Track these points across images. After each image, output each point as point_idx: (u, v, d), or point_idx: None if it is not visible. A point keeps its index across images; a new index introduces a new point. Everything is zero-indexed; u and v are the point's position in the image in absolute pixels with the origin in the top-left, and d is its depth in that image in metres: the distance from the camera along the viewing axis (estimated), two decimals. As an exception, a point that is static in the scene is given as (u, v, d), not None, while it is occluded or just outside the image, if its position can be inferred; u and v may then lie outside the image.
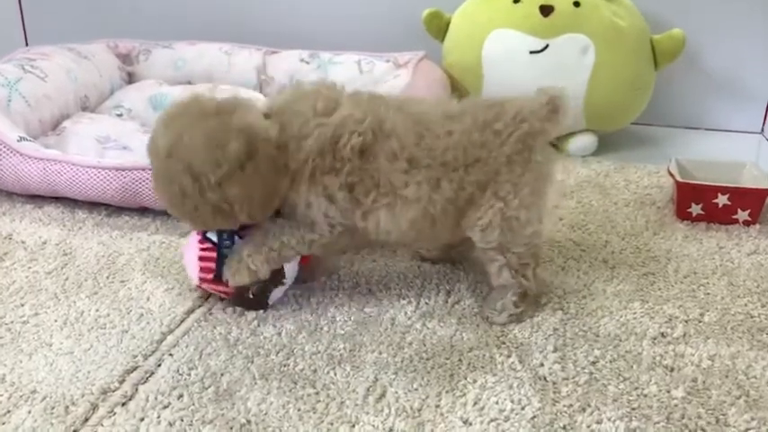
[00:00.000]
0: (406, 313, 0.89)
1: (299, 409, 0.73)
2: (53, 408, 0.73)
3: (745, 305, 0.92)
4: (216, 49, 1.61)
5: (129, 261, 1.01)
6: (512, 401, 0.74)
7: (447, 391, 0.76)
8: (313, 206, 0.82)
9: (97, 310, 0.89)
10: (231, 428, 0.71)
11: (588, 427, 0.71)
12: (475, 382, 0.77)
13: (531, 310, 0.89)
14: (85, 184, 1.10)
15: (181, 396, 0.75)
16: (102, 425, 0.71)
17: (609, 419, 0.72)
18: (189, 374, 0.78)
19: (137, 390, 0.76)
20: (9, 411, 0.73)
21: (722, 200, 1.11)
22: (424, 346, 0.83)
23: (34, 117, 1.30)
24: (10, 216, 1.14)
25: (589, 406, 0.74)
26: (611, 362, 0.81)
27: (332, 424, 0.71)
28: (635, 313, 0.90)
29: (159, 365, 0.80)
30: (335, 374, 0.78)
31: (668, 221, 1.14)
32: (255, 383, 0.77)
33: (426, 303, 0.91)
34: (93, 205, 1.15)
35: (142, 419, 0.72)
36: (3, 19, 1.88)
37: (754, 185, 1.14)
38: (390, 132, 0.82)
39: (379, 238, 0.86)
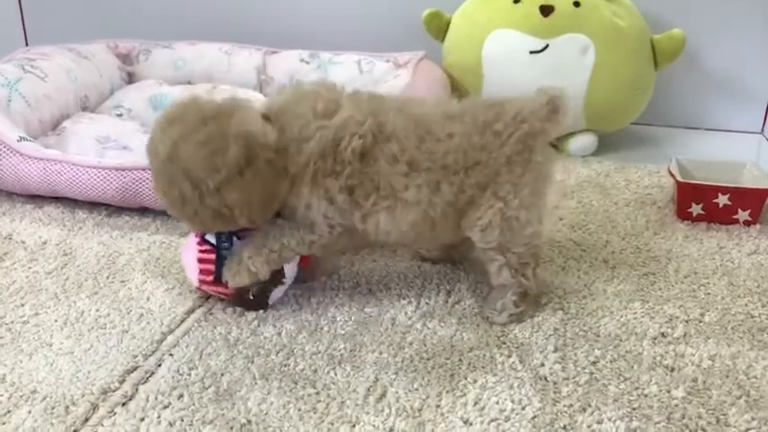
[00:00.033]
0: (406, 313, 0.89)
1: (299, 409, 0.73)
2: (53, 408, 0.73)
3: (746, 305, 0.92)
4: (216, 49, 1.61)
5: (129, 261, 1.01)
6: (512, 401, 0.74)
7: (447, 391, 0.76)
8: (313, 208, 0.82)
9: (97, 310, 0.89)
10: (231, 428, 0.71)
11: (589, 427, 0.71)
12: (475, 382, 0.77)
13: (531, 310, 0.89)
14: (85, 184, 1.10)
15: (181, 396, 0.75)
16: (102, 425, 0.71)
17: (609, 419, 0.72)
18: (189, 374, 0.78)
19: (137, 390, 0.76)
20: (9, 411, 0.73)
21: (723, 200, 1.11)
22: (425, 346, 0.83)
23: (34, 117, 1.30)
24: (10, 216, 1.14)
25: (590, 406, 0.74)
26: (611, 362, 0.81)
27: (332, 424, 0.71)
28: (635, 313, 0.90)
29: (159, 365, 0.80)
30: (336, 374, 0.78)
31: (669, 221, 1.14)
32: (256, 383, 0.77)
33: (427, 303, 0.91)
34: (93, 205, 1.15)
35: (142, 419, 0.72)
36: (3, 19, 1.88)
37: (754, 185, 1.14)
38: (391, 135, 0.82)
39: (379, 239, 0.86)
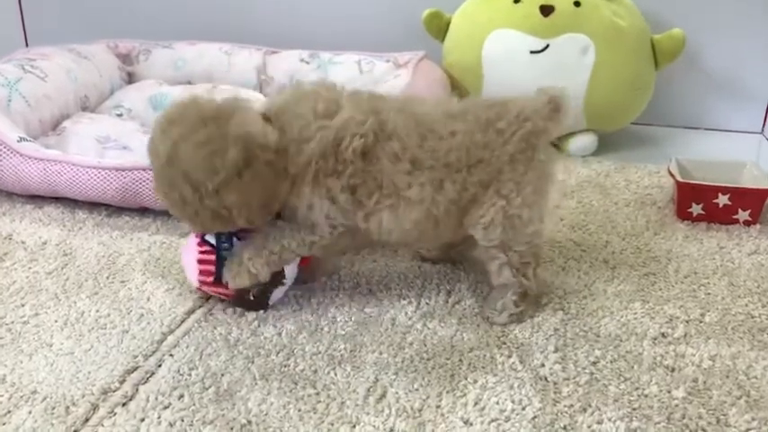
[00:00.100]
0: (406, 313, 0.89)
1: (299, 410, 0.73)
2: (53, 408, 0.73)
3: (746, 305, 0.92)
4: (216, 49, 1.61)
5: (129, 261, 1.01)
6: (512, 402, 0.74)
7: (448, 392, 0.76)
8: (315, 208, 0.82)
9: (97, 311, 0.89)
10: (232, 429, 0.71)
11: (589, 427, 0.71)
12: (475, 382, 0.77)
13: (531, 311, 0.89)
14: (86, 185, 1.10)
15: (181, 396, 0.75)
16: (102, 425, 0.71)
17: (609, 420, 0.72)
18: (189, 375, 0.78)
19: (137, 390, 0.76)
20: (9, 412, 0.73)
21: (723, 200, 1.11)
22: (425, 346, 0.83)
23: (34, 117, 1.30)
24: (10, 216, 1.14)
25: (590, 406, 0.74)
26: (611, 362, 0.81)
27: (332, 424, 0.71)
28: (636, 313, 0.90)
29: (160, 366, 0.80)
30: (336, 375, 0.78)
31: (669, 221, 1.14)
32: (256, 384, 0.77)
33: (427, 303, 0.91)
34: (93, 205, 1.15)
35: (143, 420, 0.72)
36: (3, 19, 1.88)
37: (754, 185, 1.14)
38: (392, 134, 0.82)
39: (381, 239, 0.86)
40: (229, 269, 0.84)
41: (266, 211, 0.82)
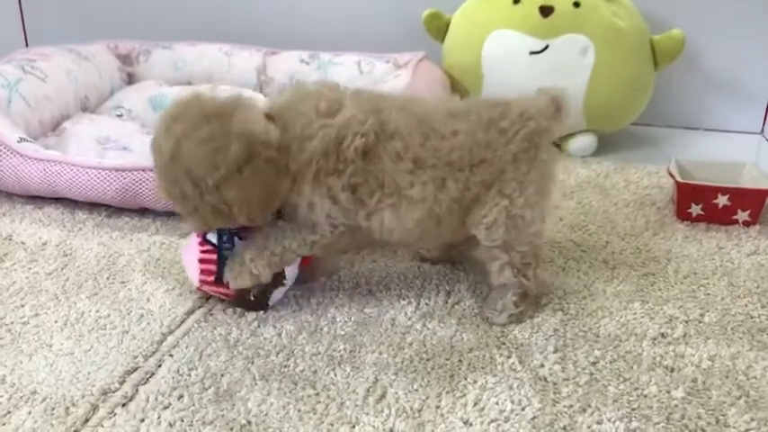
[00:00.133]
0: (406, 314, 0.89)
1: (299, 410, 0.73)
2: (53, 409, 0.73)
3: (746, 306, 0.92)
4: (216, 50, 1.61)
5: (129, 262, 1.01)
6: (512, 402, 0.74)
7: (447, 392, 0.76)
8: (316, 207, 0.82)
9: (97, 311, 0.89)
10: (231, 429, 0.71)
11: (588, 427, 0.71)
12: (475, 382, 0.77)
13: (531, 311, 0.89)
14: (85, 185, 1.10)
15: (181, 397, 0.75)
16: (102, 426, 0.71)
17: (609, 420, 0.72)
18: (189, 375, 0.78)
19: (137, 390, 0.76)
20: (9, 412, 0.73)
21: (722, 200, 1.11)
22: (425, 346, 0.83)
23: (34, 118, 1.30)
24: (10, 217, 1.14)
25: (589, 406, 0.74)
26: (611, 362, 0.81)
27: (332, 425, 0.71)
28: (635, 314, 0.90)
29: (159, 366, 0.80)
30: (336, 375, 0.78)
31: (668, 222, 1.14)
32: (256, 384, 0.77)
33: (426, 304, 0.91)
34: (93, 206, 1.15)
35: (142, 420, 0.72)
36: (3, 20, 1.89)
37: (753, 186, 1.14)
38: (394, 133, 0.82)
39: (383, 238, 0.86)
40: (231, 269, 0.84)
41: (267, 209, 0.82)
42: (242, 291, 0.86)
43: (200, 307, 0.90)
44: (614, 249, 1.05)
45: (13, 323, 0.87)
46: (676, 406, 0.74)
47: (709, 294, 0.94)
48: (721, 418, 0.73)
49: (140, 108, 1.45)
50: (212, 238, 0.86)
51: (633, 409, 0.74)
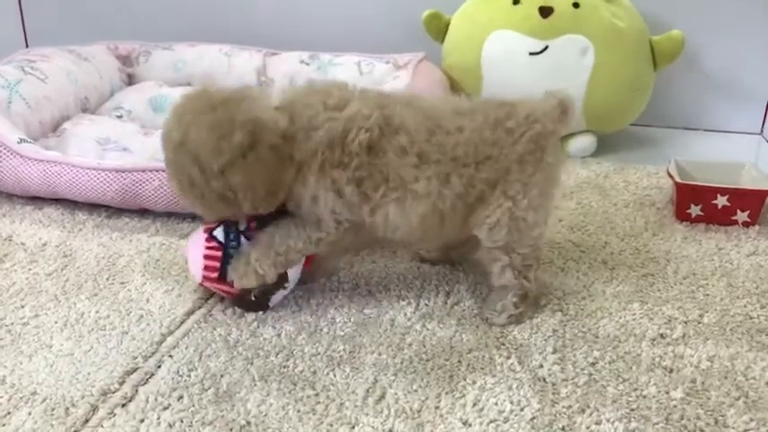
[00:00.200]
0: (405, 314, 0.89)
1: (298, 411, 0.73)
2: (53, 409, 0.73)
3: (745, 306, 0.92)
4: (216, 51, 1.61)
5: (129, 263, 1.01)
6: (511, 402, 0.74)
7: (446, 393, 0.76)
8: (320, 201, 0.82)
9: (97, 312, 0.89)
10: (231, 430, 0.71)
11: (587, 428, 0.71)
12: (474, 383, 0.77)
13: (530, 312, 0.89)
14: (85, 186, 1.11)
15: (181, 397, 0.75)
16: (102, 426, 0.71)
17: (608, 420, 0.72)
18: (189, 376, 0.78)
19: (137, 391, 0.76)
20: (9, 413, 0.73)
21: (721, 201, 1.11)
22: (424, 347, 0.83)
23: (34, 119, 1.30)
24: (10, 218, 1.14)
25: (588, 407, 0.74)
26: (610, 363, 0.81)
27: (331, 425, 0.72)
28: (634, 314, 0.90)
29: (159, 367, 0.80)
30: (335, 376, 0.78)
31: (667, 222, 1.14)
32: (255, 385, 0.77)
33: (426, 305, 0.91)
34: (93, 207, 1.15)
35: (142, 421, 0.72)
36: (3, 20, 1.89)
37: (753, 186, 1.14)
38: (399, 128, 0.83)
39: (387, 235, 0.86)
40: (236, 269, 0.85)
41: (271, 197, 0.82)
42: (243, 290, 0.86)
43: (199, 308, 0.90)
44: (613, 250, 1.05)
45: (12, 324, 0.87)
46: (675, 406, 0.74)
47: (708, 295, 0.94)
48: (720, 418, 0.73)
49: (140, 109, 1.46)
50: (219, 234, 0.86)
51: (632, 410, 0.74)
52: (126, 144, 1.28)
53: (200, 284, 0.89)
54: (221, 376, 0.78)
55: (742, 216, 1.12)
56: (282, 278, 0.88)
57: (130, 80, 1.62)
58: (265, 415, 0.73)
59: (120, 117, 1.44)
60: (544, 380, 0.78)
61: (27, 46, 1.88)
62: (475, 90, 1.44)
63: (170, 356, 0.81)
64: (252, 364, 0.80)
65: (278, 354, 0.82)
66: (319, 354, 0.82)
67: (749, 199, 1.11)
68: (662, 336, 0.86)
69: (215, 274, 0.86)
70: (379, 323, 0.88)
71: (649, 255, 1.04)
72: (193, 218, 1.10)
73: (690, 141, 1.56)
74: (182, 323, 0.87)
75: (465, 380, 0.78)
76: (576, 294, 0.94)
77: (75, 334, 0.85)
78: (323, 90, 0.85)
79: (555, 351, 0.82)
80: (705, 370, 0.80)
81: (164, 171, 1.07)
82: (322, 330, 0.86)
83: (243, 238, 0.86)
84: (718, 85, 1.58)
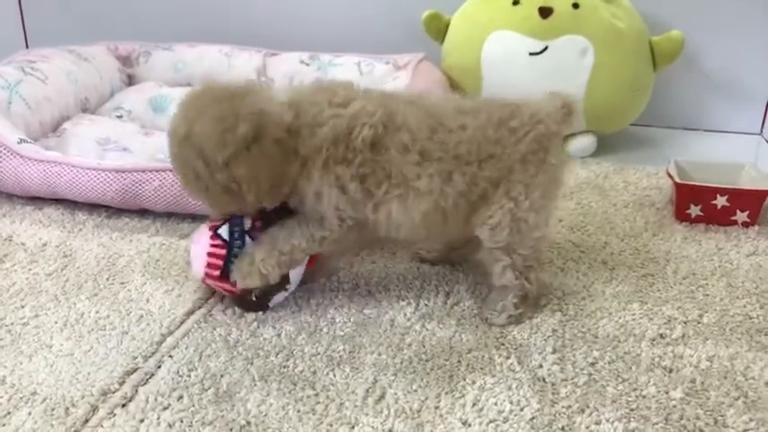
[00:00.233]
0: (405, 315, 0.89)
1: (298, 411, 0.73)
2: (53, 409, 0.73)
3: (744, 306, 0.92)
4: (216, 51, 1.61)
5: (128, 263, 1.01)
6: (510, 402, 0.74)
7: (446, 393, 0.76)
8: (324, 197, 0.83)
9: (97, 312, 0.89)
10: (231, 430, 0.71)
11: (587, 428, 0.71)
12: (474, 383, 0.77)
13: (530, 312, 0.89)
14: (85, 186, 1.11)
15: (181, 397, 0.75)
16: (102, 426, 0.71)
17: (607, 420, 0.72)
18: (189, 376, 0.78)
19: (137, 391, 0.76)
20: (9, 413, 0.73)
21: (721, 201, 1.11)
22: (424, 347, 0.83)
23: (34, 119, 1.30)
24: (10, 218, 1.14)
25: (588, 407, 0.74)
26: (609, 363, 0.81)
27: (331, 425, 0.72)
28: (634, 314, 0.90)
29: (159, 367, 0.80)
30: (335, 376, 0.78)
31: (667, 223, 1.14)
32: (255, 385, 0.77)
33: (426, 305, 0.91)
34: (93, 207, 1.15)
35: (142, 421, 0.72)
36: (3, 21, 1.89)
37: (752, 187, 1.14)
38: (401, 125, 0.83)
39: (390, 233, 0.86)
40: (239, 269, 0.85)
41: (275, 191, 0.82)
42: (244, 290, 0.87)
43: (199, 308, 0.90)
44: (613, 250, 1.05)
45: (13, 324, 0.87)
46: (675, 406, 0.74)
47: (707, 295, 0.94)
48: (720, 418, 0.73)
49: (140, 109, 1.46)
50: (224, 233, 0.86)
51: (632, 410, 0.74)
52: (126, 144, 1.28)
53: (202, 281, 0.89)
54: (221, 376, 0.78)
55: (741, 216, 1.12)
56: (284, 279, 0.88)
57: (130, 80, 1.62)
58: (265, 415, 0.73)
59: (120, 117, 1.44)
60: (544, 380, 0.78)
61: (27, 46, 1.88)
62: (475, 90, 1.44)
63: (170, 356, 0.81)
64: (252, 364, 0.80)
65: (278, 354, 0.82)
66: (319, 354, 0.82)
67: (748, 199, 1.11)
68: (661, 336, 0.86)
69: (217, 273, 0.86)
70: (378, 323, 0.88)
71: (649, 255, 1.04)
72: (193, 218, 1.11)
73: (689, 142, 1.56)
74: (182, 323, 0.88)
75: (465, 380, 0.78)
76: (576, 294, 0.94)
77: (75, 334, 0.85)
78: (328, 88, 0.86)
79: (554, 351, 0.83)
80: (704, 370, 0.80)
81: (164, 171, 1.08)
82: (322, 330, 0.86)
83: (247, 238, 0.86)
84: (717, 86, 1.58)
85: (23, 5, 1.88)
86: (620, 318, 0.89)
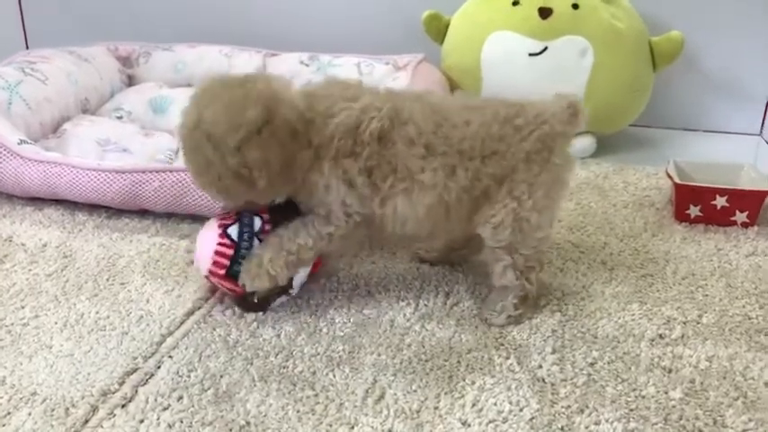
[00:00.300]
0: (404, 315, 0.89)
1: (298, 411, 0.74)
2: (53, 410, 0.73)
3: (743, 306, 0.92)
4: (216, 52, 1.61)
5: (128, 263, 1.01)
6: (510, 403, 0.75)
7: (446, 393, 0.76)
8: (332, 190, 0.83)
9: (97, 312, 0.90)
10: (230, 430, 0.71)
11: (586, 428, 0.72)
12: (473, 383, 0.77)
13: (529, 312, 0.89)
14: (85, 187, 1.11)
15: (180, 398, 0.75)
16: (101, 426, 0.71)
17: (607, 420, 0.72)
18: (188, 376, 0.78)
19: (136, 391, 0.76)
20: (9, 413, 0.73)
21: (720, 201, 1.11)
22: (423, 347, 0.83)
23: (35, 120, 1.30)
24: (10, 218, 1.14)
25: (587, 407, 0.74)
26: (609, 363, 0.81)
27: (331, 425, 0.72)
28: (633, 315, 0.90)
29: (159, 367, 0.80)
30: (334, 376, 0.79)
31: (667, 223, 1.14)
32: (255, 385, 0.77)
33: (425, 305, 0.91)
34: (93, 207, 1.15)
35: (142, 421, 0.72)
36: (3, 22, 1.89)
37: (752, 187, 1.14)
38: (408, 119, 0.84)
39: (396, 230, 0.87)
40: (248, 271, 0.85)
41: (286, 177, 0.82)
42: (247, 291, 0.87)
43: (199, 308, 0.91)
44: (613, 250, 1.05)
45: (13, 324, 0.87)
46: (674, 407, 0.74)
47: (707, 295, 0.94)
48: (719, 418, 0.73)
49: (140, 110, 1.46)
50: (233, 233, 0.86)
51: (631, 410, 0.74)
52: (126, 145, 1.28)
53: (205, 278, 0.89)
54: (221, 377, 0.78)
55: (741, 217, 1.12)
56: (289, 283, 0.88)
57: (130, 81, 1.62)
58: (265, 415, 0.73)
59: (120, 118, 1.44)
60: (543, 380, 0.78)
61: (27, 47, 1.89)
62: (474, 91, 1.44)
63: (170, 357, 0.81)
64: (251, 364, 0.80)
65: (277, 354, 0.82)
66: (319, 354, 0.82)
67: (748, 200, 1.11)
68: (661, 336, 0.86)
69: (222, 271, 0.86)
70: (378, 324, 0.88)
71: (648, 255, 1.04)
72: (193, 219, 1.11)
73: (689, 142, 1.56)
74: (181, 324, 0.88)
75: (464, 380, 0.78)
76: (576, 295, 0.94)
77: (75, 334, 0.85)
78: (340, 84, 0.88)
79: (554, 351, 0.83)
80: (704, 370, 0.80)
81: (164, 172, 1.08)
82: (321, 331, 0.86)
83: (256, 240, 0.86)
84: (717, 86, 1.58)
85: (23, 5, 1.89)
86: (619, 318, 0.89)
